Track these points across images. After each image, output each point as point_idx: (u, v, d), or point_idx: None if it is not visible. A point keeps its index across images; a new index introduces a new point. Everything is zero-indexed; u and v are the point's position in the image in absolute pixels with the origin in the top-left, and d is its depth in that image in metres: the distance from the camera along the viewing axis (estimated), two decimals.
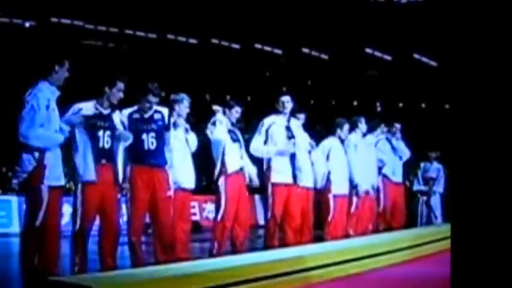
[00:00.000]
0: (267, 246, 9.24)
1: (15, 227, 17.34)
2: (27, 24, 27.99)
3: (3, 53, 23.17)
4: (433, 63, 32.30)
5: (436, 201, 14.24)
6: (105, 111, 7.41)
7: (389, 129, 12.20)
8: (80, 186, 7.18)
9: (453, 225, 3.77)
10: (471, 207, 3.61)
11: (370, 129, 11.72)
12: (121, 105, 7.72)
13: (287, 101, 9.45)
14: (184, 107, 8.49)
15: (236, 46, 32.89)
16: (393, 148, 12.12)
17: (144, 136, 7.83)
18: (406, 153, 12.30)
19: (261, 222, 19.90)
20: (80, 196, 7.16)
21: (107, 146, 7.31)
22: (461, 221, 3.68)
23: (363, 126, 11.19)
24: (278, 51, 33.67)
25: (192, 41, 31.81)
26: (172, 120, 8.18)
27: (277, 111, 9.49)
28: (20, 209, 17.70)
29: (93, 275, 6.60)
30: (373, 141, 11.85)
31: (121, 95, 7.42)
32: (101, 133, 7.29)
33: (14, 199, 18.06)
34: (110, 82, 7.34)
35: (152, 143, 7.84)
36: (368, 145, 11.47)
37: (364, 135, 11.38)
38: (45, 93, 6.48)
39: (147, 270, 6.79)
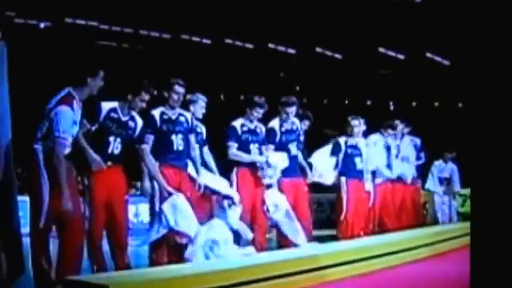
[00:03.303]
0: (280, 246, 9.27)
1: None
2: (42, 25, 28.08)
3: (20, 55, 23.24)
4: (446, 62, 32.16)
5: (450, 201, 14.24)
6: (124, 118, 7.27)
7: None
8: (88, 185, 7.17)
9: (473, 224, 3.79)
10: (490, 206, 3.62)
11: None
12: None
13: (291, 112, 9.50)
14: (199, 107, 8.59)
15: (250, 46, 32.84)
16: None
17: (173, 137, 7.92)
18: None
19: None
20: (88, 196, 7.12)
21: (116, 151, 7.22)
22: (480, 220, 3.69)
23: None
24: (292, 51, 33.59)
25: (206, 41, 31.80)
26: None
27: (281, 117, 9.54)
28: None
29: (109, 274, 6.65)
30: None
31: (144, 105, 7.31)
32: (112, 138, 7.16)
33: (29, 200, 18.10)
34: (135, 91, 7.21)
35: (180, 145, 7.93)
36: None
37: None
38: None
39: (162, 269, 6.83)
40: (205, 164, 8.65)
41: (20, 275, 6.38)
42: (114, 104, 7.24)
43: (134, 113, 7.37)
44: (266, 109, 9.14)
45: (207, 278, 6.09)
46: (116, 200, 7.22)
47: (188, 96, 8.50)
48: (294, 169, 9.48)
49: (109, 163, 7.15)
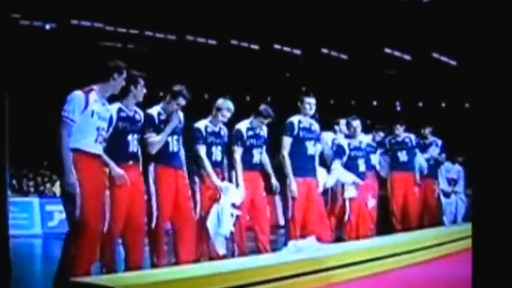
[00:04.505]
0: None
1: (37, 229, 17.46)
2: (47, 27, 28.17)
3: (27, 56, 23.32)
4: (453, 63, 32.14)
5: (457, 201, 14.24)
6: (131, 113, 7.37)
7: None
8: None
9: (474, 225, 3.77)
10: (493, 207, 3.60)
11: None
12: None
13: (310, 103, 9.42)
14: (222, 115, 8.62)
15: (255, 47, 32.88)
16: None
17: (169, 138, 7.90)
18: None
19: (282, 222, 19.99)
20: (110, 196, 7.05)
21: (135, 149, 7.29)
22: (482, 221, 3.67)
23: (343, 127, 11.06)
24: (297, 52, 33.62)
25: (211, 42, 31.84)
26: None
27: (300, 113, 9.46)
28: (42, 210, 17.84)
29: (114, 275, 6.63)
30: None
31: (145, 91, 7.38)
32: (130, 137, 7.24)
33: (35, 201, 18.18)
34: (133, 81, 7.24)
35: (175, 145, 7.95)
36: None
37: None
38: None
39: (167, 270, 6.82)
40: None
41: (8, 277, 6.35)
42: (118, 104, 7.26)
43: (134, 106, 7.45)
44: (272, 119, 9.16)
45: (212, 280, 6.07)
46: (137, 200, 7.25)
47: (217, 102, 8.64)
48: (308, 169, 9.40)
49: (130, 162, 7.23)
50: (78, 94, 6.35)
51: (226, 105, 8.66)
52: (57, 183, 21.05)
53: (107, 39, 29.40)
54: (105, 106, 6.62)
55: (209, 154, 8.49)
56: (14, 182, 20.03)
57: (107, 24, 29.10)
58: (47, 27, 28.23)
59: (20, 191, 20.07)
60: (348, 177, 10.45)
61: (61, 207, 18.56)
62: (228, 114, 8.67)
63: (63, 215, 19.24)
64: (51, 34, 27.96)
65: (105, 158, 6.85)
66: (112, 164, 7.01)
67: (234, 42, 32.32)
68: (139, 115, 7.51)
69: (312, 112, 9.44)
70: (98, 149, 6.52)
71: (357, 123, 10.73)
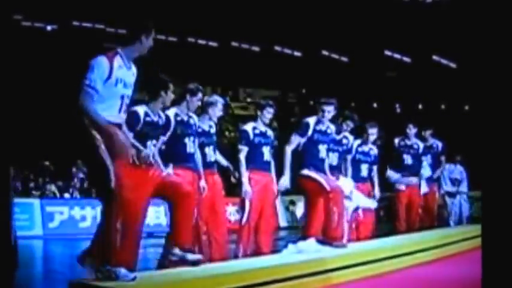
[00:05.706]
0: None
1: (38, 230, 17.46)
2: (48, 28, 28.19)
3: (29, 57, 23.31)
4: (453, 65, 32.13)
5: (461, 202, 14.27)
6: (155, 118, 7.03)
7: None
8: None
9: (484, 225, 3.77)
10: (501, 207, 3.61)
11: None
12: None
13: (329, 111, 9.36)
14: (218, 110, 8.57)
15: (256, 49, 32.87)
16: None
17: (187, 140, 7.90)
18: None
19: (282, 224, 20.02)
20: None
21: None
22: (491, 221, 3.68)
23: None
24: (298, 54, 33.61)
25: (212, 44, 31.84)
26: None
27: (318, 116, 9.39)
28: (42, 211, 17.84)
29: None
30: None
31: (173, 96, 7.18)
32: (149, 143, 6.82)
33: (36, 202, 18.17)
34: (165, 86, 7.00)
35: (192, 147, 7.94)
36: None
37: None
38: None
39: (169, 271, 6.81)
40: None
41: (11, 278, 6.30)
42: (144, 107, 6.97)
43: (159, 111, 7.19)
44: (275, 109, 9.12)
45: (215, 281, 6.09)
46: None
47: (206, 98, 8.54)
48: (319, 171, 9.31)
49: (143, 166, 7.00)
50: (102, 60, 5.77)
51: (212, 100, 8.60)
52: (54, 185, 21.02)
53: (108, 41, 29.39)
54: (130, 70, 6.05)
55: (202, 154, 8.41)
56: (14, 182, 20.01)
57: (108, 25, 29.11)
58: (48, 28, 28.25)
59: (21, 192, 20.03)
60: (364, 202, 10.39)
61: (61, 209, 18.37)
62: (217, 111, 8.60)
63: (64, 216, 19.04)
64: (53, 35, 27.98)
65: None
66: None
67: (234, 44, 32.32)
68: (162, 120, 7.23)
69: (328, 119, 9.38)
70: (122, 119, 6.00)
71: (373, 131, 10.68)
